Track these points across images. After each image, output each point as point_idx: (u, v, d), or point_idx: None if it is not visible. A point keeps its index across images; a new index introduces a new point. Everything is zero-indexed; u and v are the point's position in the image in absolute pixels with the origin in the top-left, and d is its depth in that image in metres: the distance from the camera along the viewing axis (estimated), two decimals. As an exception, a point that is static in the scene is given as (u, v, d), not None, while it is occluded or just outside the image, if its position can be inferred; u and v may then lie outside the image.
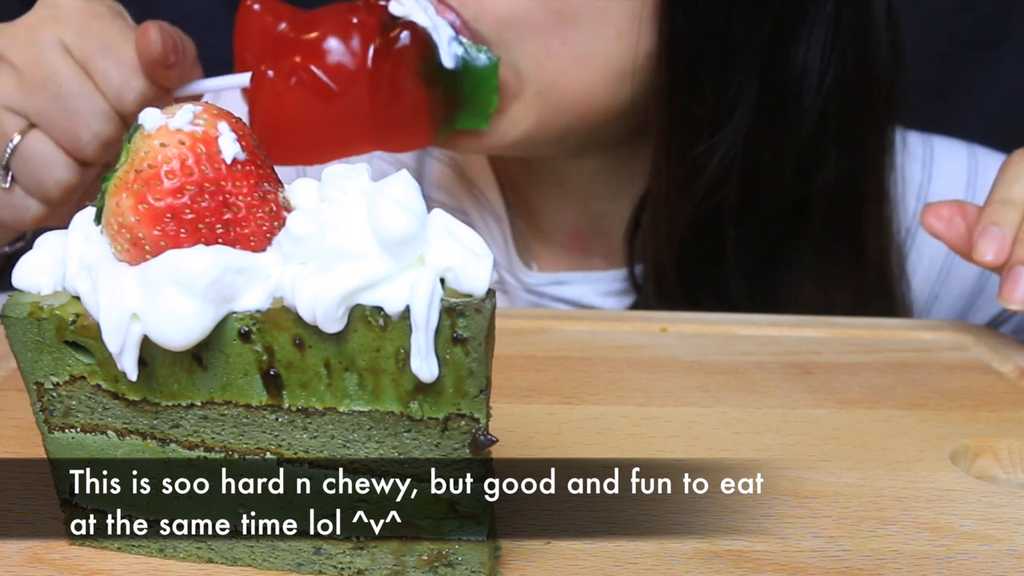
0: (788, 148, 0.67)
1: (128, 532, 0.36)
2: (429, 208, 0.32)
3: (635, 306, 0.75)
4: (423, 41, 0.58)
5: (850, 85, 0.66)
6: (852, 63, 0.65)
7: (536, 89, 0.63)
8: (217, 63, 0.69)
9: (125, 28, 0.56)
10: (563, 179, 0.75)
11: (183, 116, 0.32)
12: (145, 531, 0.36)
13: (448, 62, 0.58)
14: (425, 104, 0.59)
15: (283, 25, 0.57)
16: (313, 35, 0.56)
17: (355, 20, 0.56)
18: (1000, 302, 0.53)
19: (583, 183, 0.75)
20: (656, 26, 0.62)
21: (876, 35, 0.66)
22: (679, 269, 0.70)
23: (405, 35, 0.57)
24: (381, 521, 0.35)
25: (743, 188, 0.67)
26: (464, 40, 0.59)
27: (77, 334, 0.33)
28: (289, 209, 0.34)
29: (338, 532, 0.35)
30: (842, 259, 0.71)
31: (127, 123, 0.57)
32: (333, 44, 0.56)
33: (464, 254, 0.31)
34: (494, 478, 0.36)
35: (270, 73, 0.55)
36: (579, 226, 0.77)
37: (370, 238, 0.31)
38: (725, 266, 0.70)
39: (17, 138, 0.55)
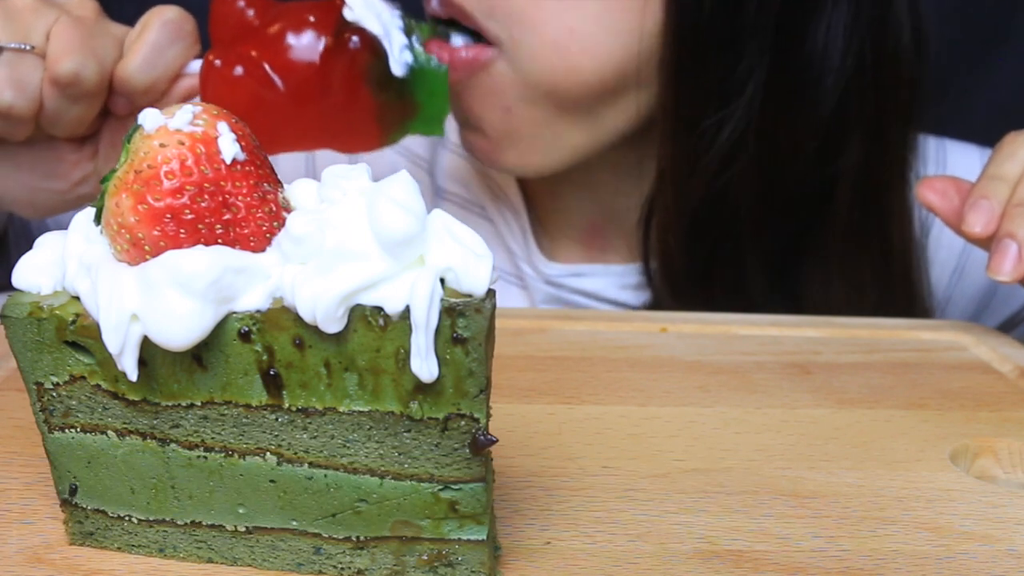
0: (807, 130, 0.67)
1: (128, 532, 0.37)
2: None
3: (653, 300, 0.75)
4: (372, 48, 0.58)
5: (872, 69, 0.66)
6: (873, 47, 0.66)
7: (548, 91, 0.64)
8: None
9: (117, 43, 0.57)
10: (577, 173, 0.75)
11: (182, 116, 0.32)
12: (145, 531, 0.36)
13: (398, 70, 0.59)
14: (373, 109, 0.59)
15: (251, 12, 0.58)
16: (272, 29, 0.57)
17: (312, 18, 0.57)
18: (989, 275, 0.53)
19: (598, 177, 0.75)
20: (662, 2, 0.63)
21: (896, 20, 0.67)
22: (688, 259, 0.70)
23: (355, 40, 0.57)
24: (381, 521, 0.35)
25: (760, 172, 0.67)
26: (416, 47, 0.59)
27: (77, 334, 0.33)
28: (289, 209, 0.34)
29: (338, 532, 0.35)
30: (868, 251, 0.71)
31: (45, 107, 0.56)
32: (286, 41, 0.56)
33: (464, 254, 0.31)
34: (494, 478, 0.36)
35: (217, 62, 0.56)
36: (595, 220, 0.78)
37: (370, 238, 0.31)
38: (744, 258, 0.70)
39: None
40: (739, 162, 0.66)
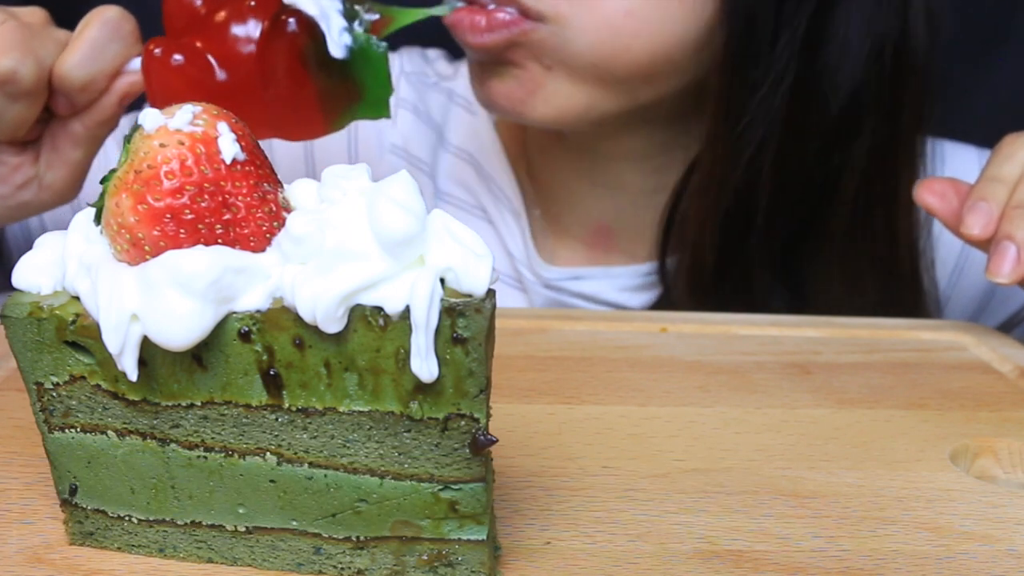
0: (825, 117, 0.67)
1: (128, 532, 0.37)
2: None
3: (659, 301, 0.75)
4: (310, 31, 0.57)
5: (889, 54, 0.66)
6: (892, 31, 0.66)
7: (594, 63, 0.63)
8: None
9: (59, 45, 0.57)
10: (600, 167, 0.75)
11: (182, 116, 0.32)
12: (145, 531, 0.36)
13: (337, 52, 0.58)
14: (315, 94, 0.58)
15: (199, 1, 0.58)
16: (215, 17, 0.57)
17: (252, 3, 0.57)
18: (988, 276, 0.54)
19: (622, 170, 0.75)
20: None
21: (915, 12, 0.67)
22: (717, 254, 0.70)
23: (291, 23, 0.57)
24: (381, 521, 0.35)
25: (781, 164, 0.67)
26: (356, 30, 0.59)
27: (77, 334, 0.33)
28: (289, 209, 0.34)
29: (338, 532, 0.35)
30: (875, 244, 0.71)
31: None
32: (227, 28, 0.56)
33: (464, 254, 0.31)
34: (494, 478, 0.36)
35: (157, 51, 0.56)
36: (604, 219, 0.77)
37: (370, 238, 0.31)
38: (758, 253, 0.70)
39: None
40: (766, 154, 0.66)
